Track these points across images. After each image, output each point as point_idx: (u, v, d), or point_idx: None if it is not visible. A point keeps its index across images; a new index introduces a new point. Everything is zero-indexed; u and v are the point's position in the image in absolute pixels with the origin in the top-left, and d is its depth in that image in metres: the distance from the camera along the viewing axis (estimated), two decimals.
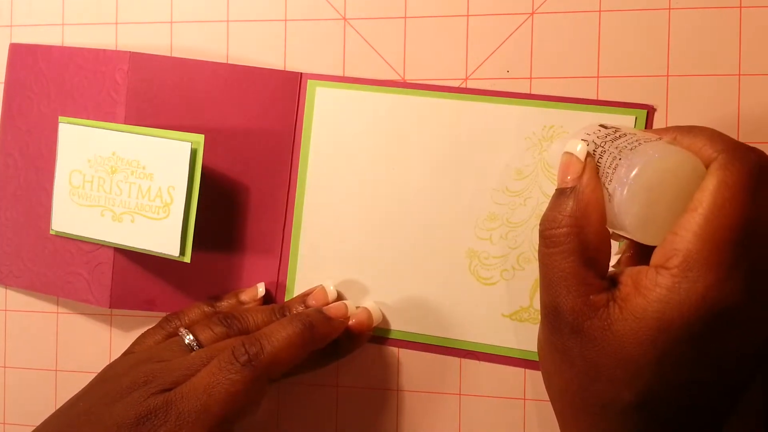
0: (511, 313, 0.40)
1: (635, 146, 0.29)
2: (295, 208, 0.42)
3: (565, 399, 0.30)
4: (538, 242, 0.39)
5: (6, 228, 0.45)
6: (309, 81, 0.41)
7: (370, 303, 0.41)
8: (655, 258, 0.27)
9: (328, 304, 0.40)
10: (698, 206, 0.26)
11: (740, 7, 0.38)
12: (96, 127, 0.40)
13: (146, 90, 0.41)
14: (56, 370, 0.45)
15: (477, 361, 0.41)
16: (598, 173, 0.30)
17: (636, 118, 0.38)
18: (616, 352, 0.27)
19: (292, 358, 0.34)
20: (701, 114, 0.38)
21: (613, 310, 0.27)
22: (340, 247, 0.41)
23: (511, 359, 0.40)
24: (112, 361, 0.39)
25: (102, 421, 0.32)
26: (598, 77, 0.39)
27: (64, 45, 0.44)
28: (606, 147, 0.30)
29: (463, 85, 0.40)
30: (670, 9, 0.38)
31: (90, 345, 0.45)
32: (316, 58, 0.42)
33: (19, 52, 0.44)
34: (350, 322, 0.39)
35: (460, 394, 0.41)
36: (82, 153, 0.40)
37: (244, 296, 0.41)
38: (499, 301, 0.40)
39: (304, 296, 0.40)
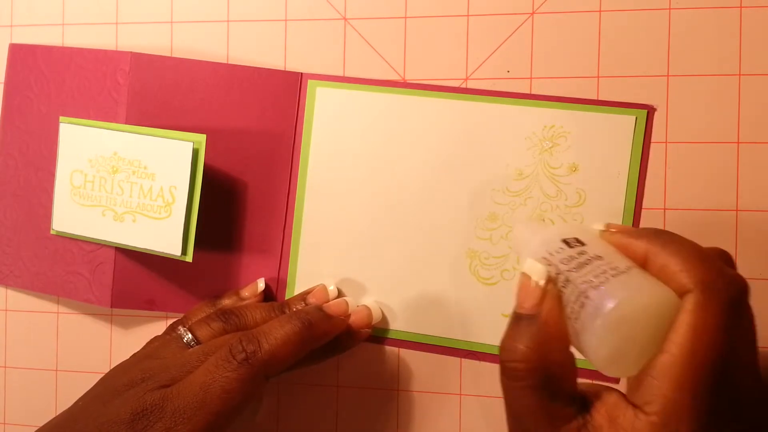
0: None
1: (603, 281, 0.26)
2: (296, 207, 0.42)
3: None
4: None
5: (6, 228, 0.45)
6: (309, 81, 0.41)
7: (369, 301, 0.41)
8: (632, 397, 0.26)
9: (328, 302, 0.40)
10: (673, 347, 0.25)
11: (740, 7, 0.38)
12: (97, 127, 0.40)
13: (147, 90, 0.41)
14: (56, 370, 0.45)
15: (477, 361, 0.41)
16: (560, 302, 0.28)
17: (636, 118, 0.38)
18: None
19: (290, 356, 0.34)
20: (701, 114, 0.38)
21: None
22: (340, 247, 0.41)
23: None
24: (112, 360, 0.39)
25: (98, 417, 0.32)
26: (598, 77, 0.39)
27: (64, 45, 0.44)
28: (571, 277, 0.27)
29: (463, 85, 0.40)
30: (670, 9, 0.38)
31: (90, 345, 0.45)
32: (316, 58, 0.42)
33: (19, 52, 0.44)
34: (349, 319, 0.39)
35: (460, 394, 0.41)
36: (83, 153, 0.40)
37: (245, 292, 0.41)
38: (499, 301, 0.40)
39: (305, 294, 0.41)
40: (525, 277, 0.28)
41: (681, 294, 0.25)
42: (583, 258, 0.28)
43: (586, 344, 0.27)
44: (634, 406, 0.26)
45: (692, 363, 0.24)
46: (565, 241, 0.29)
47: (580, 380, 0.28)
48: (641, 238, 0.28)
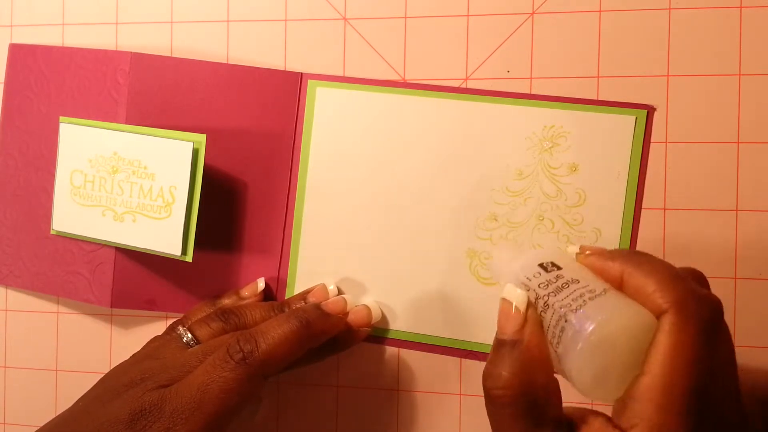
0: None
1: (581, 305, 0.27)
2: (296, 207, 0.42)
3: None
4: (537, 247, 0.39)
5: (6, 228, 0.45)
6: (309, 81, 0.41)
7: (369, 301, 0.41)
8: (618, 420, 0.26)
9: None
10: (653, 368, 0.25)
11: (740, 7, 0.38)
12: (97, 127, 0.40)
13: (147, 90, 0.41)
14: (56, 370, 0.45)
15: (477, 361, 0.41)
16: (541, 327, 0.28)
17: (636, 118, 0.38)
18: None
19: (287, 355, 0.34)
20: (701, 114, 0.38)
21: None
22: (340, 247, 0.41)
23: None
24: (112, 360, 0.39)
25: (98, 418, 0.33)
26: (598, 77, 0.39)
27: (64, 45, 0.44)
28: (549, 301, 0.28)
29: (463, 85, 0.40)
30: (670, 9, 0.38)
31: (90, 345, 0.45)
32: (316, 58, 0.42)
33: (19, 52, 0.44)
34: (348, 318, 0.39)
35: (460, 394, 0.41)
36: (83, 153, 0.40)
37: (245, 292, 0.41)
38: (499, 301, 0.40)
39: (305, 294, 0.41)
40: (505, 302, 0.29)
41: (657, 314, 0.26)
42: (561, 282, 0.28)
43: (569, 368, 0.27)
44: (620, 429, 0.26)
45: (673, 383, 0.25)
46: (542, 266, 0.29)
47: (566, 404, 0.28)
48: (616, 260, 0.28)
